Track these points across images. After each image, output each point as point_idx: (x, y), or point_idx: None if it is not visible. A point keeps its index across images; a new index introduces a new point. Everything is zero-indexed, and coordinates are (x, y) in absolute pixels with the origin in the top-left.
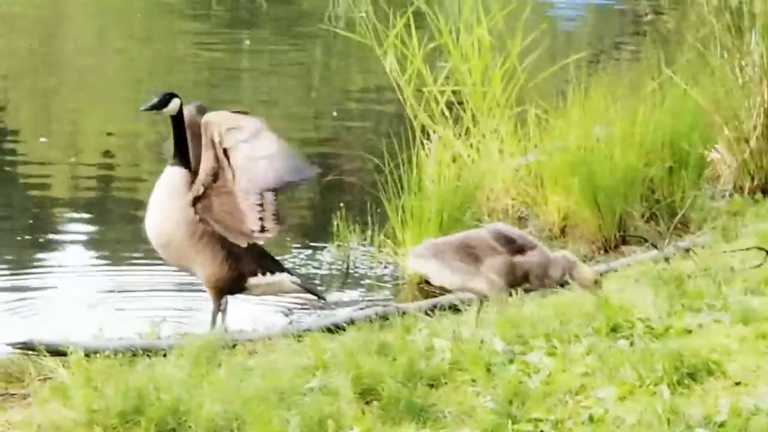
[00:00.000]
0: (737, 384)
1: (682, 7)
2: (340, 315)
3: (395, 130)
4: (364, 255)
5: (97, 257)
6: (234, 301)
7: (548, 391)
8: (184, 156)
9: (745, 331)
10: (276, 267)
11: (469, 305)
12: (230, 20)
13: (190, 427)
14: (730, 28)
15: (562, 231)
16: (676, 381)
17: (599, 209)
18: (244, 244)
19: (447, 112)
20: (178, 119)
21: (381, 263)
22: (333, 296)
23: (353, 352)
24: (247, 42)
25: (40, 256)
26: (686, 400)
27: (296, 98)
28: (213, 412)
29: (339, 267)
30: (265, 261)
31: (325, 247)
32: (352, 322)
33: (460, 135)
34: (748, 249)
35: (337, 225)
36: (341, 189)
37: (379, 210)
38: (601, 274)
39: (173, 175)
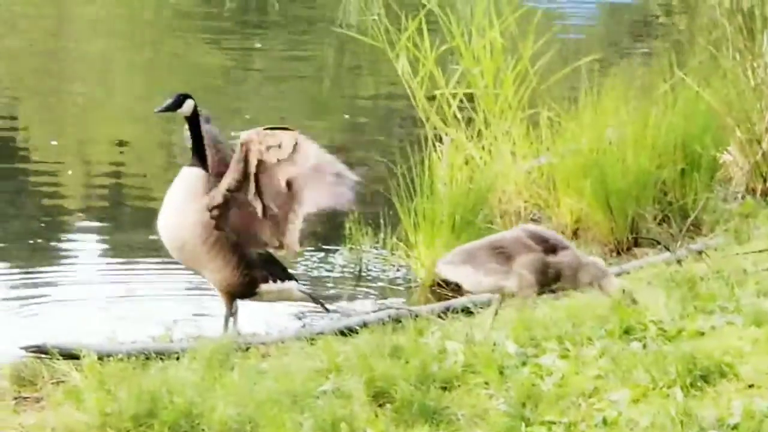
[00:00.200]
0: (750, 386)
1: (694, 9)
2: (353, 318)
3: (407, 133)
4: (376, 258)
5: (109, 260)
6: (247, 305)
7: (561, 394)
8: (201, 157)
9: (758, 333)
10: (286, 275)
11: (481, 308)
12: (242, 23)
13: (203, 430)
14: (742, 30)
15: (575, 233)
16: (689, 383)
17: (611, 211)
18: (254, 255)
19: (459, 115)
20: (193, 120)
21: (393, 266)
22: (345, 299)
23: (366, 355)
24: (258, 45)
25: (52, 259)
26: (699, 402)
27: (308, 101)
28: (226, 415)
29: (351, 270)
30: (276, 269)
31: (337, 249)
32: (364, 324)
33: (472, 137)
34: (760, 251)
35: (350, 228)
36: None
37: (391, 213)
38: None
39: (190, 175)
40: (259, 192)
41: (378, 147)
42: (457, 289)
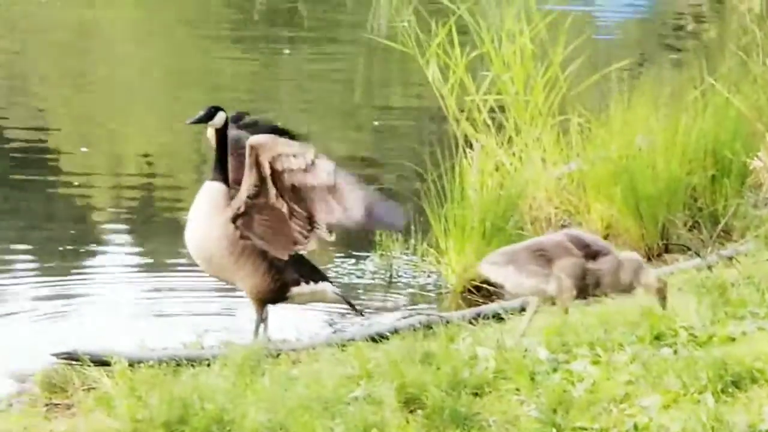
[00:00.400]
0: None
1: (724, 15)
2: (384, 324)
3: (438, 140)
4: (407, 264)
5: (140, 267)
6: (278, 311)
7: (592, 400)
8: (223, 171)
9: None
10: (318, 276)
11: (512, 314)
12: (270, 30)
13: None
14: None
15: (605, 239)
16: (720, 389)
17: (642, 218)
18: (285, 257)
19: (489, 121)
20: (222, 133)
21: (424, 272)
22: (376, 305)
23: (397, 361)
24: (287, 51)
25: (82, 265)
26: (730, 408)
27: (338, 108)
28: (257, 422)
29: (382, 276)
30: (307, 270)
31: (368, 256)
32: (395, 331)
33: (502, 144)
34: None
35: (381, 234)
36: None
37: (422, 219)
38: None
39: (213, 190)
40: (280, 193)
41: (408, 153)
42: (487, 296)
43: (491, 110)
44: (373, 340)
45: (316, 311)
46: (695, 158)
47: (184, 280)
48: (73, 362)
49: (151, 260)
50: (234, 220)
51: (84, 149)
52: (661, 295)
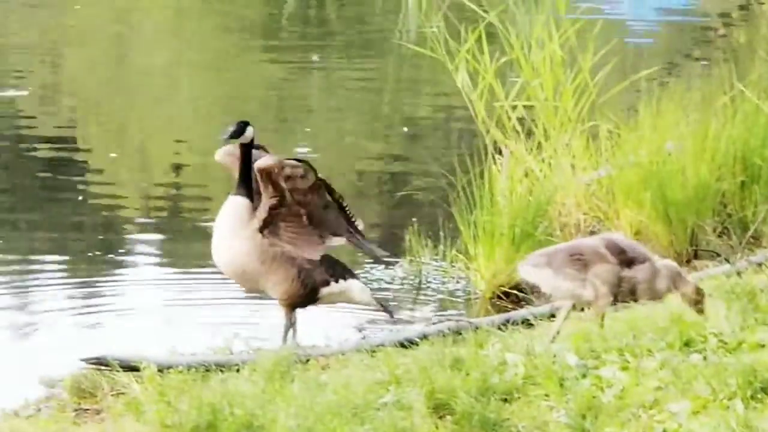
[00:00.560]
0: None
1: (753, 20)
2: (413, 330)
3: (467, 146)
4: (436, 270)
5: (168, 272)
6: (307, 317)
7: (621, 406)
8: (247, 186)
9: None
10: (347, 274)
11: (541, 320)
12: (300, 37)
13: None
14: None
15: None
16: (749, 395)
17: (671, 224)
18: (317, 257)
19: (519, 127)
20: (248, 148)
21: (453, 278)
22: (405, 311)
23: (426, 367)
24: (316, 57)
25: (111, 271)
26: (760, 414)
27: (366, 114)
28: (286, 427)
29: (411, 282)
30: (336, 268)
31: (397, 262)
32: (425, 336)
33: (531, 150)
34: None
35: (410, 240)
36: (413, 204)
37: (451, 225)
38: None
39: (237, 205)
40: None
41: (437, 159)
42: (516, 302)
43: (520, 116)
44: (402, 345)
45: (345, 316)
46: (724, 164)
47: (213, 285)
48: (103, 367)
49: (180, 266)
50: (261, 230)
51: (113, 154)
52: (699, 306)
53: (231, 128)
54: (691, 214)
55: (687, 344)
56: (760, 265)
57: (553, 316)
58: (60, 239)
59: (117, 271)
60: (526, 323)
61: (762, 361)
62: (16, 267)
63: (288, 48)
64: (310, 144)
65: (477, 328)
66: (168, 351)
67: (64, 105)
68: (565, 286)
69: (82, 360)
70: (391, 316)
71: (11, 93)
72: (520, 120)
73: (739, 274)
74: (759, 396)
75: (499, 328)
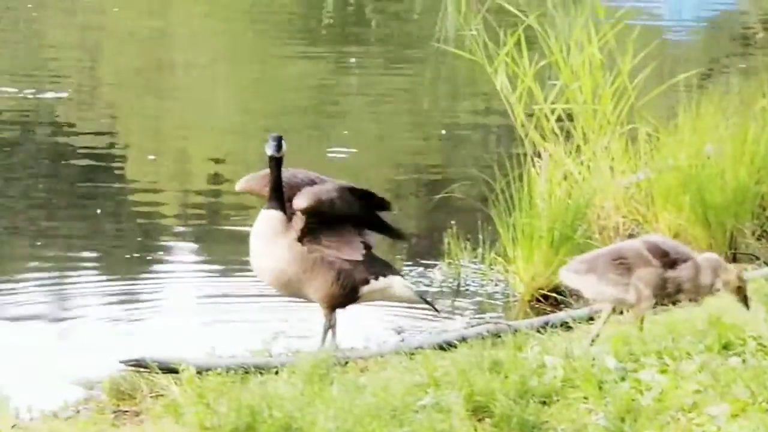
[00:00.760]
0: None
1: None
2: (452, 332)
3: (505, 148)
4: (475, 272)
5: (206, 274)
6: (346, 319)
7: (660, 409)
8: (279, 198)
9: None
10: (388, 270)
11: (580, 323)
12: (338, 39)
13: None
14: None
15: None
16: None
17: (710, 227)
18: (359, 257)
19: (557, 130)
20: (279, 161)
21: (492, 281)
22: (444, 314)
23: (465, 370)
24: (353, 60)
25: (149, 273)
26: None
27: (405, 117)
28: (326, 430)
29: (450, 284)
30: (376, 266)
31: (436, 264)
32: (463, 339)
33: (570, 153)
34: None
35: (448, 243)
36: (452, 207)
37: (490, 228)
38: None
39: (271, 218)
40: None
41: (476, 162)
42: (555, 304)
43: (559, 119)
44: (441, 348)
45: (384, 318)
46: (764, 167)
47: (252, 287)
48: (141, 369)
49: (218, 267)
50: (300, 239)
51: (151, 156)
52: (741, 294)
53: (272, 143)
54: (730, 218)
55: (726, 347)
56: None
57: (591, 319)
58: (99, 241)
59: (155, 273)
60: (565, 326)
61: None
62: (55, 269)
63: (326, 49)
64: (347, 146)
65: (516, 330)
66: (207, 353)
67: (102, 107)
68: (609, 291)
69: (122, 362)
70: (435, 310)
71: (50, 96)
72: (559, 123)
73: None
74: None
75: (538, 331)
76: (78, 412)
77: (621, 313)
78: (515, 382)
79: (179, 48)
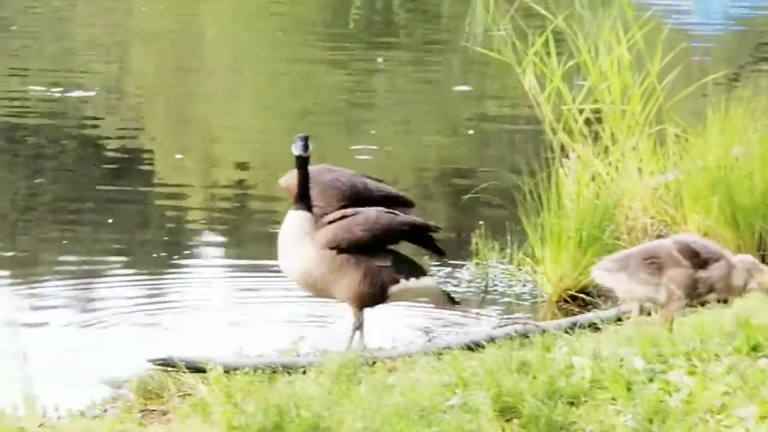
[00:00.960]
0: None
1: None
2: (480, 333)
3: (533, 149)
4: (502, 273)
5: (234, 274)
6: (374, 320)
7: (689, 410)
8: (306, 198)
9: None
10: (418, 271)
11: (608, 324)
12: (366, 39)
13: None
14: None
15: None
16: None
17: (738, 228)
18: (389, 262)
19: (586, 131)
20: (305, 161)
21: (520, 281)
22: (472, 314)
23: (493, 370)
24: (380, 59)
25: (177, 272)
26: None
27: (432, 117)
28: (353, 430)
29: (478, 285)
30: (406, 266)
31: (464, 265)
32: (491, 339)
33: (598, 153)
34: None
35: (476, 243)
36: (480, 207)
37: (518, 228)
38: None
39: (298, 219)
40: None
41: (504, 163)
42: (583, 305)
43: (587, 120)
44: (469, 348)
45: (412, 318)
46: None
47: (279, 286)
48: (169, 369)
49: (246, 266)
50: (330, 246)
51: (179, 156)
52: None
53: (300, 143)
54: (759, 219)
55: (754, 349)
56: None
57: (619, 319)
58: (126, 240)
59: (183, 273)
60: (593, 327)
61: None
62: (83, 269)
63: (353, 50)
64: (374, 146)
65: (544, 331)
66: (234, 352)
67: (129, 107)
68: (640, 290)
69: (149, 361)
70: (464, 310)
71: (77, 93)
72: (588, 123)
73: None
74: None
75: (566, 332)
76: (105, 411)
77: (649, 314)
78: (543, 383)
79: (206, 48)
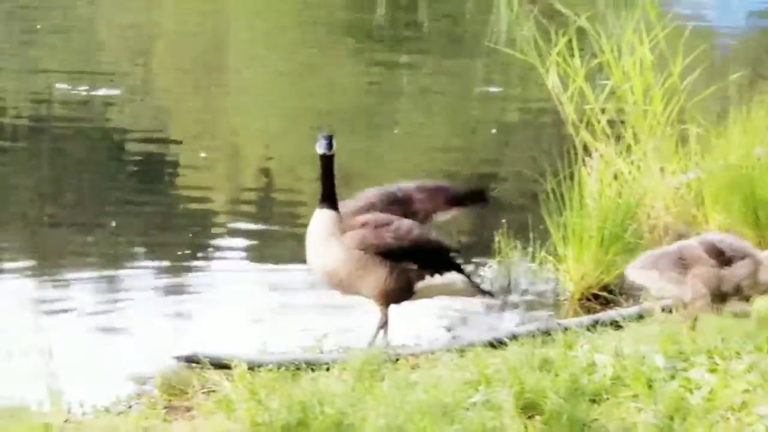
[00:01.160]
0: None
1: None
2: (503, 330)
3: (556, 148)
4: (525, 271)
5: (258, 271)
6: (398, 317)
7: (710, 408)
8: (332, 197)
9: None
10: (444, 267)
11: (629, 322)
12: (390, 39)
13: None
14: None
15: None
16: None
17: (760, 227)
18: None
19: (608, 130)
20: (330, 160)
21: (542, 279)
22: (495, 312)
23: (516, 368)
24: (404, 59)
25: (202, 269)
26: None
27: (455, 117)
28: (376, 426)
29: (501, 283)
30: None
31: (487, 263)
32: (514, 337)
33: (621, 153)
34: None
35: (499, 241)
36: (503, 206)
37: (540, 226)
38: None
39: (325, 218)
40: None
41: (527, 162)
42: (605, 303)
43: (610, 119)
44: (492, 345)
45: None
46: None
47: (303, 283)
48: (193, 365)
49: (270, 264)
50: (360, 248)
51: (203, 154)
52: None
53: (324, 142)
54: None
55: None
56: None
57: (641, 317)
58: (151, 238)
59: (207, 270)
60: (615, 325)
61: None
62: (108, 265)
63: (377, 49)
64: (398, 145)
65: (566, 329)
66: (258, 349)
67: (154, 105)
68: (669, 288)
69: (174, 357)
70: (490, 295)
71: (103, 92)
72: (610, 123)
73: None
74: None
75: (588, 330)
76: (130, 407)
77: (670, 312)
78: (565, 380)
79: (231, 46)
